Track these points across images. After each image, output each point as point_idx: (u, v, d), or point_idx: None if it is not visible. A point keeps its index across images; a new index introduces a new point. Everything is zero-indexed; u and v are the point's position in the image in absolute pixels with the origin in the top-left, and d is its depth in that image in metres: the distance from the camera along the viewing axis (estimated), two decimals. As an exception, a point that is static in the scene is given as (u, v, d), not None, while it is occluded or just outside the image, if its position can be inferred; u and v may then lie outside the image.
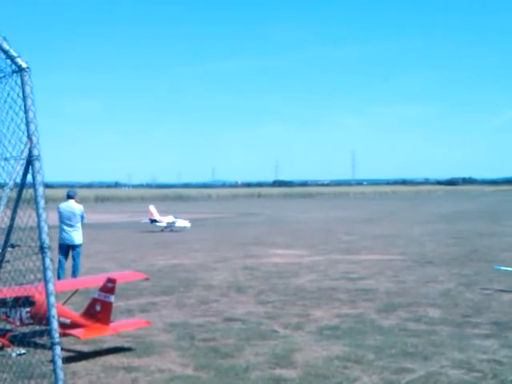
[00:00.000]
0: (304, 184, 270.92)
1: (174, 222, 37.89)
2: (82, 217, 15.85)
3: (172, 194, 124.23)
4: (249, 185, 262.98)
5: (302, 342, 10.16)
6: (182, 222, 38.12)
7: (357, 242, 28.39)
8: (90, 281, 12.06)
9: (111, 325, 9.50)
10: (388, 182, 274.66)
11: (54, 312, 6.20)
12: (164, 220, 38.01)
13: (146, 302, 13.87)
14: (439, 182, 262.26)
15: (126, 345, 10.00)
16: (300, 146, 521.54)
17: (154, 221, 38.07)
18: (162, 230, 37.42)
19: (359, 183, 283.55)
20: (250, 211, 65.82)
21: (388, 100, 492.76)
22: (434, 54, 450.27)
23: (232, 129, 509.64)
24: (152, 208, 39.04)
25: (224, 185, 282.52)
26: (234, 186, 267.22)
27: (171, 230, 37.18)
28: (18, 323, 9.85)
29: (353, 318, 12.08)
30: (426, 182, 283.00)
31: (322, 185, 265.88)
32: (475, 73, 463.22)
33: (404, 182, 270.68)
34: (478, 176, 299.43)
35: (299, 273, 18.58)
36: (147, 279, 12.50)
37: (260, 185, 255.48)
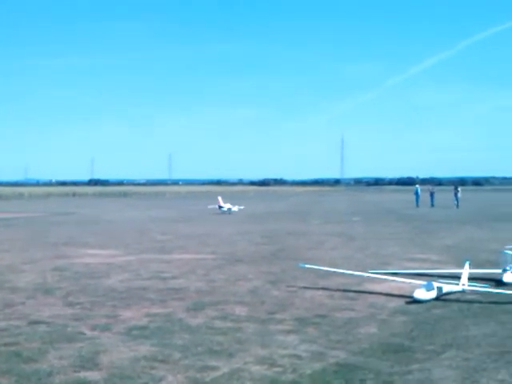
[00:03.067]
0: (120, 183, 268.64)
1: (231, 208, 54.29)
2: None
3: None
4: (64, 183, 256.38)
5: (109, 344, 10.08)
6: (236, 208, 54.70)
7: (170, 241, 28.53)
8: None
9: None
10: (203, 183, 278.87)
11: None
12: (226, 206, 54.18)
13: None
14: (252, 183, 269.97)
15: None
16: (117, 144, 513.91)
17: (220, 207, 54.13)
18: (223, 212, 53.14)
19: (175, 183, 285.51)
20: (64, 210, 64.05)
21: (207, 102, 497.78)
22: (259, 59, 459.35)
23: (46, 126, 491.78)
24: (219, 198, 54.89)
25: (38, 183, 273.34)
26: (49, 184, 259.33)
27: (230, 214, 52.48)
28: None
29: (162, 317, 12.15)
30: (240, 182, 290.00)
31: (139, 184, 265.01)
32: (291, 78, 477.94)
33: (219, 183, 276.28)
34: (288, 177, 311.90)
35: (110, 273, 18.37)
36: None
37: (75, 183, 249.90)
